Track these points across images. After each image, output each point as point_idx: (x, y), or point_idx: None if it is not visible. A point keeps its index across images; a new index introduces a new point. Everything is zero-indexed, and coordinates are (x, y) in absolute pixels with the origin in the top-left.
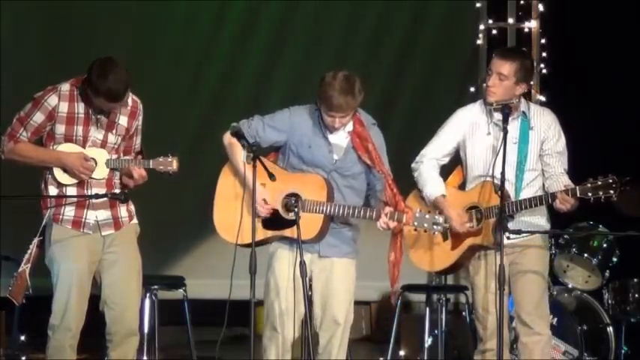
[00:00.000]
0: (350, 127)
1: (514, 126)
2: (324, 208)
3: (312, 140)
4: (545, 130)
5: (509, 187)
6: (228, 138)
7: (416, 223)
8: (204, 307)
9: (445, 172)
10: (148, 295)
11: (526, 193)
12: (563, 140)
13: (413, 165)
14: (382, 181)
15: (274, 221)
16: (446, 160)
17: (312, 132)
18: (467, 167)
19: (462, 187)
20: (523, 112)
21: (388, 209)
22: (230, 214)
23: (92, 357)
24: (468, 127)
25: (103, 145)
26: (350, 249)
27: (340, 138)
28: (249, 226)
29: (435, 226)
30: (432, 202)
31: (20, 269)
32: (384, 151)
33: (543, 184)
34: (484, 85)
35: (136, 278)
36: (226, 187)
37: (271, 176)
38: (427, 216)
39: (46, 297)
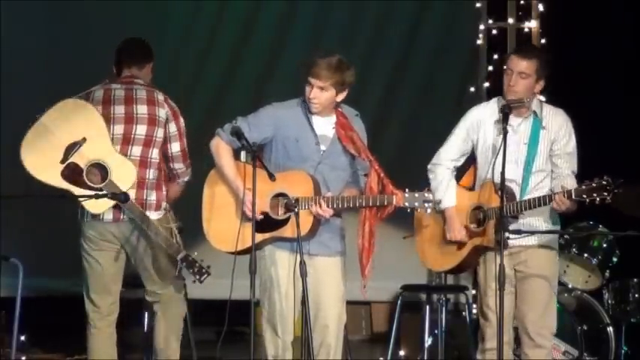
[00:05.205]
0: (334, 118)
1: (525, 126)
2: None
3: (298, 133)
4: (557, 130)
5: (516, 188)
6: (216, 143)
7: (407, 204)
8: (204, 307)
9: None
10: None
11: (534, 195)
12: (573, 141)
13: (429, 166)
14: (366, 169)
15: (265, 224)
16: (462, 160)
17: (298, 125)
18: (477, 167)
19: (474, 186)
20: (534, 112)
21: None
22: (224, 223)
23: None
24: (480, 127)
25: None
26: (340, 247)
27: (326, 129)
28: (248, 230)
29: (426, 204)
30: (441, 209)
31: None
32: (365, 141)
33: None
34: (484, 85)
35: None
36: (214, 196)
37: (271, 176)
38: (417, 195)
39: (46, 297)
